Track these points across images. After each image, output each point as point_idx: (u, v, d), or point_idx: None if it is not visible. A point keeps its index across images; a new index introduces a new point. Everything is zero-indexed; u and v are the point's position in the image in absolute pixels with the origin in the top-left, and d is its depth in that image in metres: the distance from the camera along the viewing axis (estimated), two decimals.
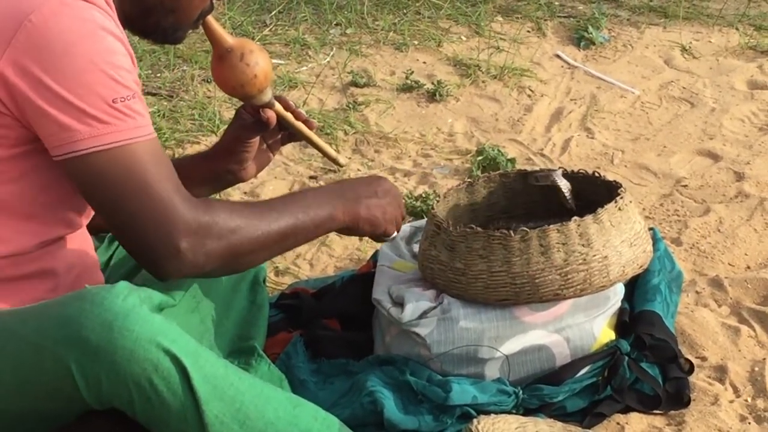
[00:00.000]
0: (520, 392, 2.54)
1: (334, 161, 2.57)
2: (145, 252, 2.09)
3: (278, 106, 2.42)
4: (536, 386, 2.56)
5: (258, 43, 2.36)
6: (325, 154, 2.57)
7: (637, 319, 2.69)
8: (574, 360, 2.59)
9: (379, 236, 2.50)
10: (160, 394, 2.00)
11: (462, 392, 2.50)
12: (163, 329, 2.00)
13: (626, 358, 2.60)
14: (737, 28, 5.03)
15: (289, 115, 2.45)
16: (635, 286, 2.80)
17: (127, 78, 2.02)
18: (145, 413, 2.02)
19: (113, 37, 2.02)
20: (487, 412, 2.47)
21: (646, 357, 2.65)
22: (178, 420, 2.03)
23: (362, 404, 2.50)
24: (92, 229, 2.32)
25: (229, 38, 2.31)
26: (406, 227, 2.96)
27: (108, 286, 2.03)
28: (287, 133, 2.55)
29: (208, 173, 2.54)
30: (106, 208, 2.08)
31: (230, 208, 2.16)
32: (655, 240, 2.90)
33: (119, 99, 2.00)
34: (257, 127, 2.45)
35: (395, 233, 2.51)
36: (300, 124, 2.48)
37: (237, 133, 2.48)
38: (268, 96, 2.37)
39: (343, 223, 2.38)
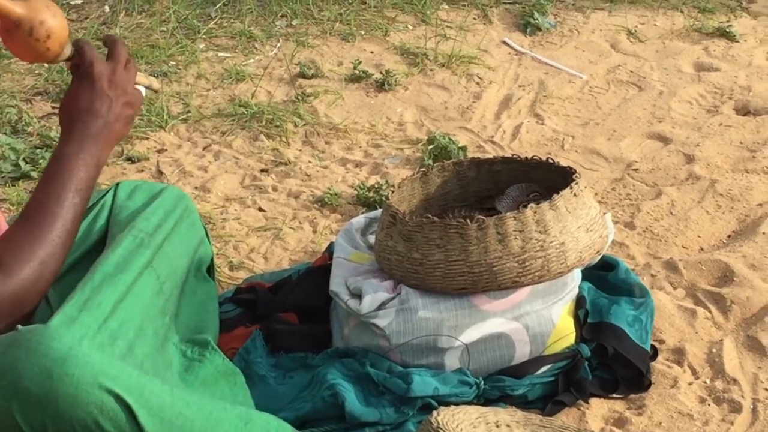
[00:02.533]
0: (482, 383, 2.54)
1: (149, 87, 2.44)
2: None
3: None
4: (498, 377, 2.57)
5: (54, 3, 2.20)
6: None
7: (603, 330, 2.70)
8: (537, 356, 2.60)
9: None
10: None
11: (423, 384, 2.49)
12: (103, 368, 1.97)
13: (586, 362, 2.61)
14: (682, 11, 5.06)
15: None
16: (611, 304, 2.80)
17: None
18: None
19: None
20: (449, 404, 2.46)
21: (608, 366, 2.65)
22: None
23: (323, 398, 2.49)
24: None
25: (15, 8, 2.09)
26: (360, 218, 2.95)
27: (41, 327, 1.99)
28: None
29: None
30: None
31: (27, 257, 2.07)
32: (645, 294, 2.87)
33: None
34: None
35: (142, 89, 2.35)
36: None
37: None
38: (65, 54, 2.21)
39: (111, 151, 2.27)
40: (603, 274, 2.87)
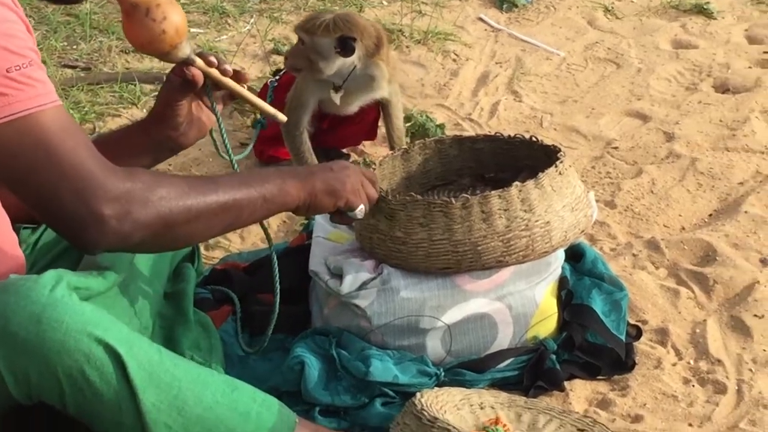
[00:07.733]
0: (442, 373, 2.50)
1: (273, 117, 2.45)
2: (67, 222, 1.95)
3: (200, 62, 2.27)
4: (458, 371, 2.54)
5: None
6: (261, 110, 2.45)
7: (584, 313, 2.67)
8: (499, 350, 2.57)
9: (344, 210, 2.38)
10: (92, 385, 1.97)
11: (383, 369, 2.46)
12: (94, 318, 1.96)
13: (553, 354, 2.58)
14: None
15: (214, 72, 2.30)
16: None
17: (21, 45, 1.91)
18: (77, 406, 1.99)
19: (3, 6, 1.91)
20: (406, 393, 2.42)
21: (578, 357, 2.61)
22: (113, 410, 2.00)
23: (291, 367, 2.47)
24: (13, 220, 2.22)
25: None
26: None
27: (34, 276, 1.98)
28: (227, 93, 2.39)
29: (146, 143, 2.41)
30: (18, 182, 1.95)
31: (155, 176, 2.04)
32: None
33: (14, 68, 1.89)
34: (184, 88, 2.31)
35: (362, 206, 2.39)
36: (228, 81, 2.33)
37: (166, 96, 2.34)
38: (184, 52, 2.23)
39: (298, 198, 2.27)
40: (570, 264, 2.82)
